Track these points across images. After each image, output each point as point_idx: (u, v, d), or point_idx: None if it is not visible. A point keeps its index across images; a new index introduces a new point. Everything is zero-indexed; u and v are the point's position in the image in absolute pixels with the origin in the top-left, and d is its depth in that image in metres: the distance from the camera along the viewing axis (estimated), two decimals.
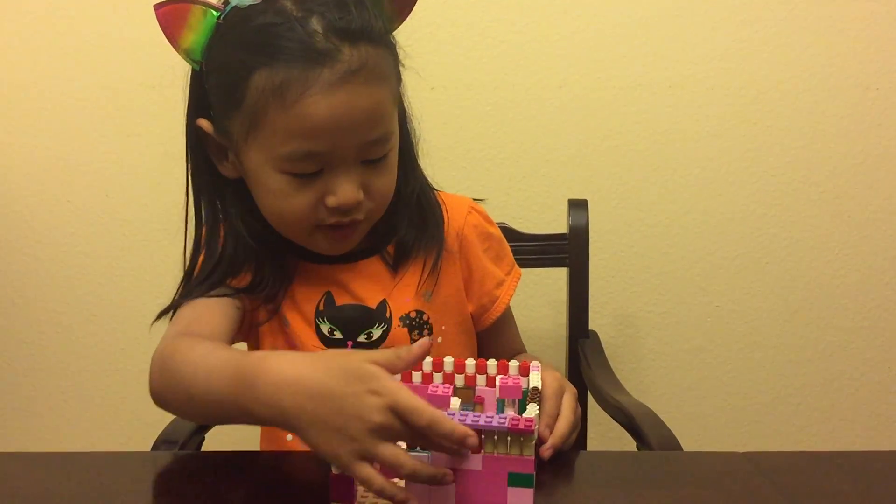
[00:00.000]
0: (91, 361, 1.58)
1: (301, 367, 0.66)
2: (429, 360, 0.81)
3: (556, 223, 1.37)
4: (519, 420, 0.64)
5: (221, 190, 0.95)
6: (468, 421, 0.64)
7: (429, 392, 0.68)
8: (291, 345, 0.98)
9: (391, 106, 0.90)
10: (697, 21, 1.48)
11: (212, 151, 0.94)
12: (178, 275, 1.60)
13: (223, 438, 1.05)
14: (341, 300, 0.98)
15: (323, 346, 0.97)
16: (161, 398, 0.84)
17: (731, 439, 1.59)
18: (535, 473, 0.66)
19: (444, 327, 1.01)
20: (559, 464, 0.83)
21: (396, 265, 0.99)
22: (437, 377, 0.82)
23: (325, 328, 0.97)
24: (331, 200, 0.87)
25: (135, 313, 1.56)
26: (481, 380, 0.82)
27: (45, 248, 1.55)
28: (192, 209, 0.97)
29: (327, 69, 0.82)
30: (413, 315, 0.99)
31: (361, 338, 0.97)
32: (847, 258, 1.55)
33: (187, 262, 0.99)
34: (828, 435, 1.58)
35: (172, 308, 0.95)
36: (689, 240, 1.54)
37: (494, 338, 1.09)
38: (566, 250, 1.32)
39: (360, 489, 0.69)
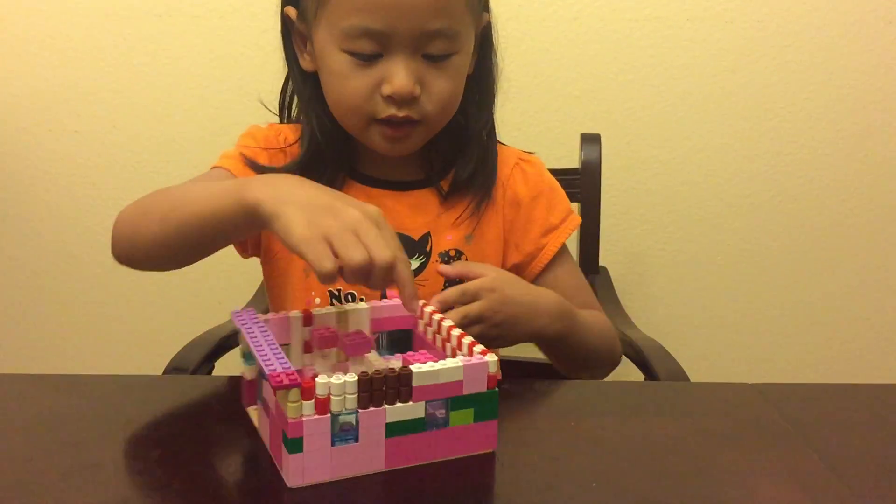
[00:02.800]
0: (101, 291, 1.59)
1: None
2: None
3: (569, 158, 1.36)
4: (281, 374, 0.59)
5: (306, 85, 0.97)
6: (261, 353, 0.62)
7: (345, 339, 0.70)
8: None
9: (462, 6, 0.89)
10: None
11: (295, 42, 0.96)
12: None
13: (234, 366, 1.06)
14: None
15: None
16: (130, 227, 0.90)
17: (741, 376, 1.58)
18: (301, 440, 0.60)
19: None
20: (565, 391, 0.83)
21: (447, 199, 0.99)
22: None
23: None
24: (386, 88, 0.87)
25: None
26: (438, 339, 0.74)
27: (54, 178, 1.55)
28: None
29: None
30: (452, 254, 0.98)
31: None
32: (862, 197, 1.53)
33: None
34: (838, 372, 1.58)
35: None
36: (702, 177, 1.52)
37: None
38: (578, 185, 1.31)
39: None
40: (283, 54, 0.98)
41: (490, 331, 0.84)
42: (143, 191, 1.62)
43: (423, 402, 0.64)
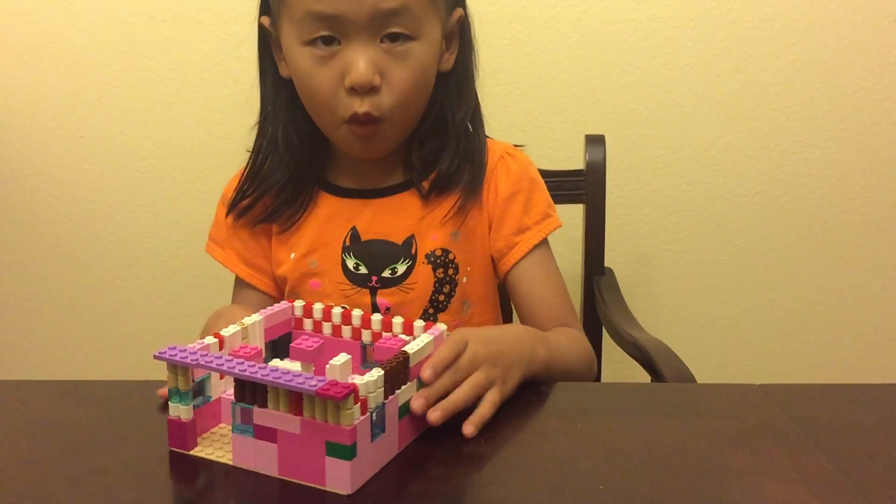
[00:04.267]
0: (107, 296, 1.60)
1: None
2: (319, 306, 0.79)
3: (573, 159, 1.36)
4: (332, 386, 0.59)
5: (278, 93, 0.99)
6: (279, 379, 0.60)
7: (292, 345, 0.68)
8: (315, 285, 0.99)
9: None
10: None
11: (275, 51, 0.98)
12: (192, 211, 1.61)
13: None
14: (367, 235, 0.99)
15: (348, 282, 0.98)
16: None
17: (747, 377, 1.59)
18: (355, 444, 0.60)
19: (469, 268, 1.00)
20: (571, 394, 0.83)
21: (429, 198, 0.99)
22: (326, 326, 0.78)
23: (350, 263, 0.98)
24: (347, 79, 0.89)
25: (150, 248, 1.57)
26: (366, 335, 0.77)
27: (60, 184, 1.56)
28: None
29: None
30: (439, 253, 0.98)
31: (386, 273, 0.97)
32: (868, 196, 1.52)
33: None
34: (844, 372, 1.58)
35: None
36: (707, 177, 1.52)
37: (520, 295, 1.00)
38: (583, 187, 1.31)
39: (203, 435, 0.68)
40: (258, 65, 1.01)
41: (492, 371, 0.75)
42: (149, 195, 1.63)
43: (415, 380, 0.69)
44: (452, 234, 0.99)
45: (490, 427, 0.72)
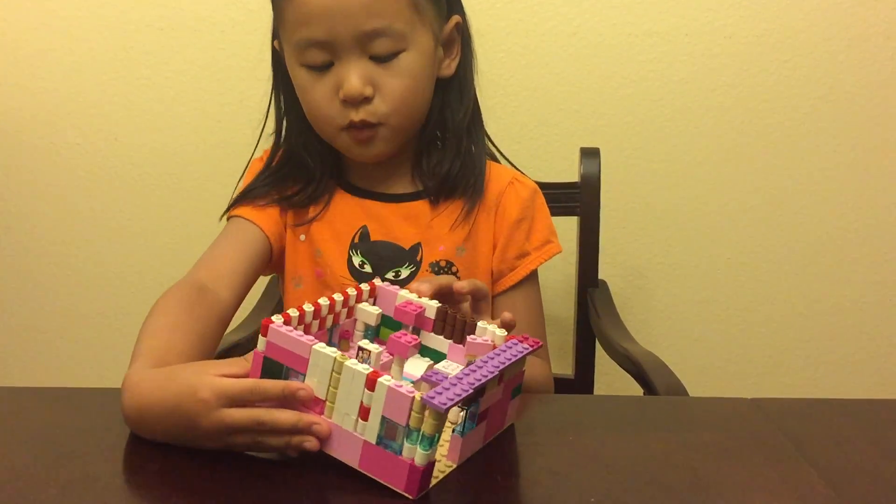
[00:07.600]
0: (101, 303, 1.59)
1: (154, 391, 0.70)
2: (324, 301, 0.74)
3: (568, 172, 1.36)
4: (527, 340, 0.70)
5: (291, 107, 1.02)
6: (489, 366, 0.64)
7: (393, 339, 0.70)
8: (319, 274, 1.02)
9: (401, 5, 0.92)
10: None
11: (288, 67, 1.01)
12: (187, 217, 1.61)
13: None
14: (376, 236, 1.01)
15: (352, 277, 1.00)
16: None
17: (739, 391, 1.59)
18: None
19: None
20: (563, 406, 0.83)
21: (438, 203, 1.02)
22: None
23: (356, 260, 1.01)
24: (340, 92, 0.93)
25: (145, 256, 1.57)
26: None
27: (55, 190, 1.55)
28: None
29: None
30: (443, 264, 1.01)
31: (389, 275, 1.00)
32: (861, 211, 1.53)
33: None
34: (836, 387, 1.58)
35: (227, 210, 1.02)
36: (701, 191, 1.53)
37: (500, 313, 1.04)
38: (577, 199, 1.31)
39: None
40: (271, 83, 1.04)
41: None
42: (144, 202, 1.63)
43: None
44: (458, 249, 1.01)
45: None
